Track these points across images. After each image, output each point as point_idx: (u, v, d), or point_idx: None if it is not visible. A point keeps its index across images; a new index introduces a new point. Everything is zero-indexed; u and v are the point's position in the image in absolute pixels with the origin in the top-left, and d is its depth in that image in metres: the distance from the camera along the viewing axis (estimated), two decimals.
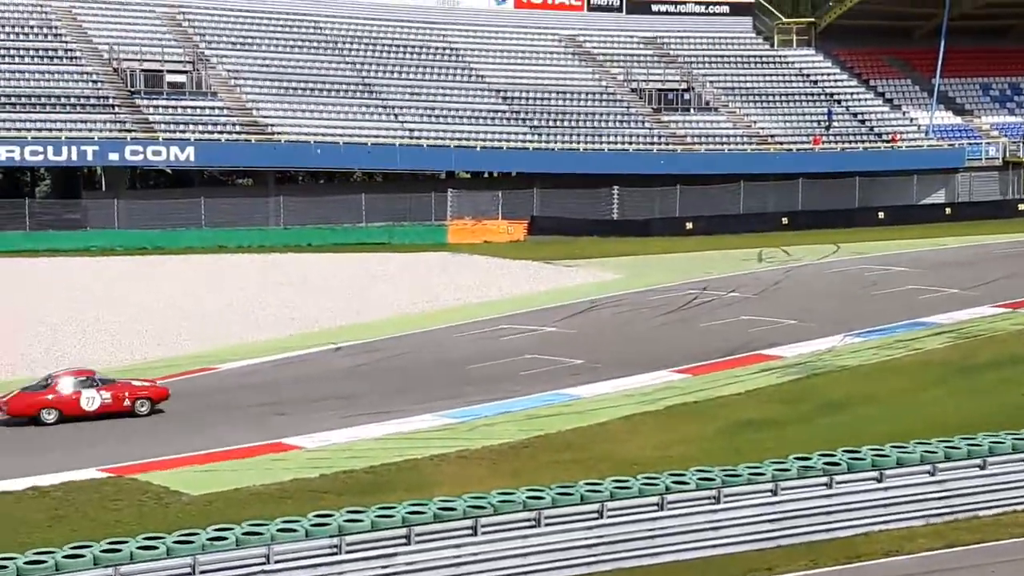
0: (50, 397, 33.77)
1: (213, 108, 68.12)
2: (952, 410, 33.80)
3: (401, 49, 76.17)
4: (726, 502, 24.74)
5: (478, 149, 69.97)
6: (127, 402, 34.26)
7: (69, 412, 33.72)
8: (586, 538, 23.85)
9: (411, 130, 70.07)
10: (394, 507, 23.54)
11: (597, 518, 23.97)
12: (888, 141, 76.77)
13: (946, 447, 26.74)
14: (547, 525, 23.61)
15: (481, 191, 69.76)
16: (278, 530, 22.44)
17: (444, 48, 77.29)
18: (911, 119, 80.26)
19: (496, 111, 73.57)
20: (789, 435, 31.61)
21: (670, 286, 52.82)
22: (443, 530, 23.09)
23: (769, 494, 25.07)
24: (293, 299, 50.86)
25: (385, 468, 29.75)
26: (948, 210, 74.03)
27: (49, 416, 33.63)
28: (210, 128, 66.51)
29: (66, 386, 33.97)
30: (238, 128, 67.41)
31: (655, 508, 24.33)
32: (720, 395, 36.17)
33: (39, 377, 35.29)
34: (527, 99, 74.91)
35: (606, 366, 39.25)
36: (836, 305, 48.12)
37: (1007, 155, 78.32)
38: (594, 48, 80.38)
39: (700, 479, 25.04)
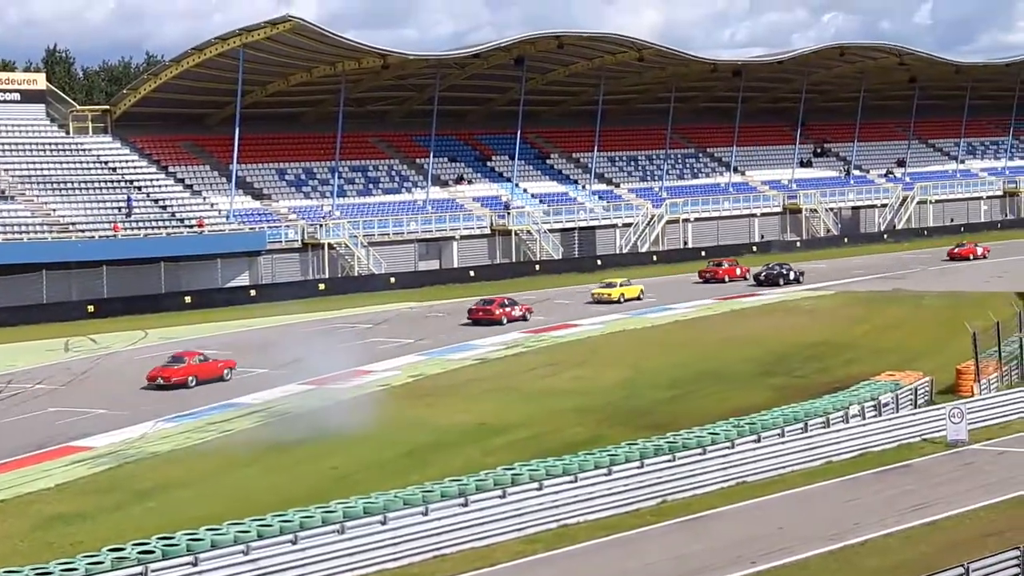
0: None
1: None
2: (265, 488, 34.51)
3: None
4: None
5: None
6: None
7: None
8: None
9: None
10: None
11: None
12: (191, 226, 77.51)
13: (259, 526, 27.20)
14: None
15: None
16: None
17: None
18: (212, 204, 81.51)
19: None
20: (103, 526, 31.12)
21: None
22: None
23: None
24: None
25: None
26: (253, 292, 75.63)
27: None
28: None
29: None
30: None
31: None
32: (29, 491, 35.01)
33: None
34: None
35: None
36: (147, 392, 47.82)
37: (305, 237, 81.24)
38: None
39: None
